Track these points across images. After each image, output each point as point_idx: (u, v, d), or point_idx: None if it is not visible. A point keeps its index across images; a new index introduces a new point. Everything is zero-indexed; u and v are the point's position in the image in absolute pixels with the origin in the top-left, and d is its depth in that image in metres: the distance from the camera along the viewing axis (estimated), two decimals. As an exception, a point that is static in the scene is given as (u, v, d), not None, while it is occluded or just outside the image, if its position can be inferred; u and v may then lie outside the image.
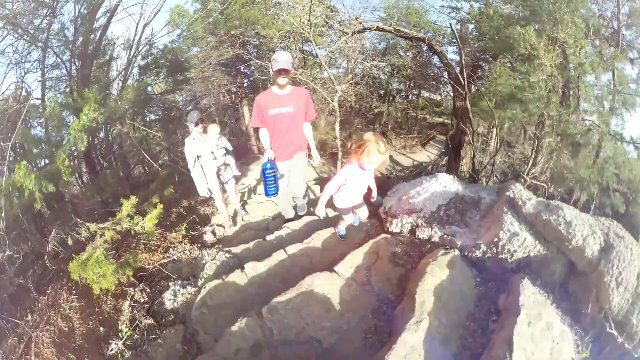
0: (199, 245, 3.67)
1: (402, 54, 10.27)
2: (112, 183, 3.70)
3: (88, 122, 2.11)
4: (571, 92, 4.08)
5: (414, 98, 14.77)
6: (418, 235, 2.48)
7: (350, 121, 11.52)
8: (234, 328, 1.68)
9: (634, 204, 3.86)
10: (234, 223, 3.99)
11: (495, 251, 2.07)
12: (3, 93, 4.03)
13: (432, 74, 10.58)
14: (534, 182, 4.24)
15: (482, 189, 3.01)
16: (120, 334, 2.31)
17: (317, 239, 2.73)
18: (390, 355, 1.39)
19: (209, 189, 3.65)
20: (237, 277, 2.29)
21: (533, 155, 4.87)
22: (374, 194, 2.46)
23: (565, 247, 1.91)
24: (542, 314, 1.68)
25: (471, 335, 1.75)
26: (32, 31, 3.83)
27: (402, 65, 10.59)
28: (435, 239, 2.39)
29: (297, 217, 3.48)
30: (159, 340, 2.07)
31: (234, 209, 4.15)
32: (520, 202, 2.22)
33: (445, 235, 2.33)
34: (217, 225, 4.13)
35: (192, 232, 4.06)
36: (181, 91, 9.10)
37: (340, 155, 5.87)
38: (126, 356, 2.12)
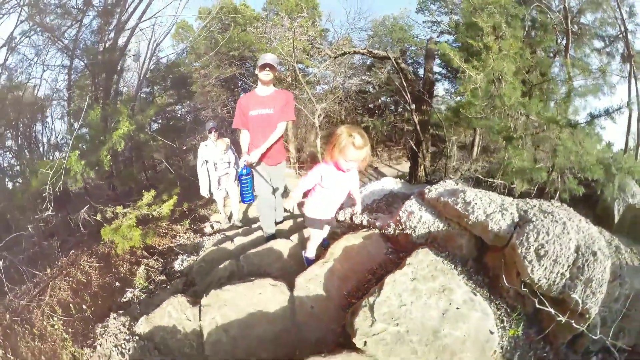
0: (200, 235, 4.50)
1: (377, 71, 11.12)
2: (129, 178, 4.58)
3: (127, 131, 3.03)
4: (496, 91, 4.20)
5: (401, 111, 15.73)
6: (354, 221, 3.30)
7: (337, 135, 12.38)
8: (220, 267, 2.58)
9: (605, 188, 3.86)
10: (230, 221, 4.71)
11: (401, 228, 2.51)
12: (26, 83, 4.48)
13: (393, 90, 11.31)
14: (496, 181, 4.31)
15: (417, 188, 3.85)
16: (135, 285, 2.99)
17: (286, 224, 3.65)
18: (300, 277, 2.12)
19: (210, 192, 4.18)
20: (228, 245, 3.21)
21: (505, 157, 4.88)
22: (358, 207, 2.30)
23: (465, 222, 2.04)
24: (439, 277, 1.78)
25: (367, 282, 2.17)
26: (58, 36, 4.28)
27: (380, 81, 11.47)
28: (365, 222, 3.05)
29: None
30: (168, 287, 2.91)
31: (231, 211, 4.71)
32: (427, 191, 2.56)
33: (370, 220, 3.04)
34: (215, 221, 5.00)
35: (194, 227, 4.89)
36: (183, 104, 10.05)
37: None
38: (141, 298, 2.85)
